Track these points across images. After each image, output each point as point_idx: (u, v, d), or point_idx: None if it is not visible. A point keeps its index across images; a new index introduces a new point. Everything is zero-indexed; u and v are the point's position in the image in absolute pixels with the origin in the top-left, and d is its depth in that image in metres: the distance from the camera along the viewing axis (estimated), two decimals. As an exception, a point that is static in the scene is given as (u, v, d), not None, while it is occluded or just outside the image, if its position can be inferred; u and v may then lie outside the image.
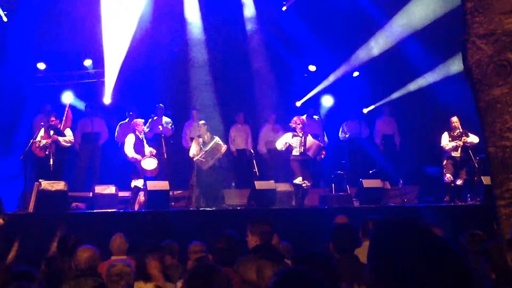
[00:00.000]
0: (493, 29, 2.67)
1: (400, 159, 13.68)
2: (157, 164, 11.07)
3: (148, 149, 11.10)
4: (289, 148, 11.31)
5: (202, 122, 11.63)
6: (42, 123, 11.15)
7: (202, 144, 11.22)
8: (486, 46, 2.68)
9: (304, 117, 11.84)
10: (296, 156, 11.23)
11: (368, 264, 1.80)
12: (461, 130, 11.63)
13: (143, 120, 11.52)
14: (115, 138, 12.57)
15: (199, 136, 11.40)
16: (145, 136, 11.37)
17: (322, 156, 11.55)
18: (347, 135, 13.76)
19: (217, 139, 11.27)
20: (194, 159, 11.24)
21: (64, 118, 11.25)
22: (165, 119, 12.68)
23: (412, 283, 1.64)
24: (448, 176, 11.57)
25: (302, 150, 11.17)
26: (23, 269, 4.29)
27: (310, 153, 11.22)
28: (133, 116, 12.28)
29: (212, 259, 5.18)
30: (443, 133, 11.90)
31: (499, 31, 2.66)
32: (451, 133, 11.74)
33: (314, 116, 13.10)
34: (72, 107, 12.26)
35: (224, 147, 11.32)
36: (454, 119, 11.80)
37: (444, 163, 11.83)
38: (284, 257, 5.01)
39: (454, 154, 11.65)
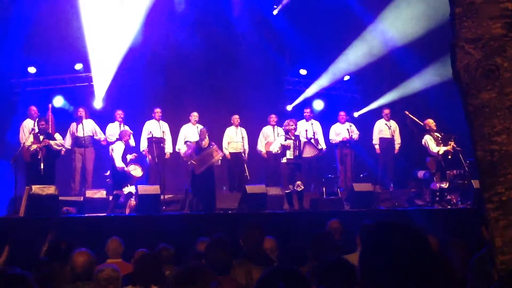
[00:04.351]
0: (482, 34, 2.69)
1: (394, 163, 13.64)
2: (141, 169, 11.12)
3: (129, 156, 11.06)
4: (282, 152, 11.18)
5: (201, 127, 11.59)
6: (32, 128, 11.13)
7: (197, 149, 11.13)
8: (475, 51, 2.70)
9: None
10: (290, 159, 11.09)
11: (359, 265, 1.82)
12: (439, 134, 11.67)
13: (131, 132, 11.56)
14: (107, 139, 12.46)
15: (199, 141, 11.35)
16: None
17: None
18: (337, 139, 13.49)
19: (214, 147, 11.17)
20: (188, 162, 11.23)
21: (49, 123, 11.24)
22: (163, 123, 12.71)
23: (399, 284, 1.66)
24: (439, 184, 11.55)
25: (297, 154, 11.06)
26: (17, 272, 4.23)
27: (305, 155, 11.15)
28: (123, 119, 12.30)
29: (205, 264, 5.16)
30: (423, 137, 11.90)
31: (487, 36, 2.68)
32: (433, 136, 11.75)
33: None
34: (54, 110, 12.22)
35: (219, 155, 11.14)
36: (432, 121, 11.82)
37: (433, 170, 11.79)
38: (274, 261, 5.01)
39: (438, 158, 11.64)
